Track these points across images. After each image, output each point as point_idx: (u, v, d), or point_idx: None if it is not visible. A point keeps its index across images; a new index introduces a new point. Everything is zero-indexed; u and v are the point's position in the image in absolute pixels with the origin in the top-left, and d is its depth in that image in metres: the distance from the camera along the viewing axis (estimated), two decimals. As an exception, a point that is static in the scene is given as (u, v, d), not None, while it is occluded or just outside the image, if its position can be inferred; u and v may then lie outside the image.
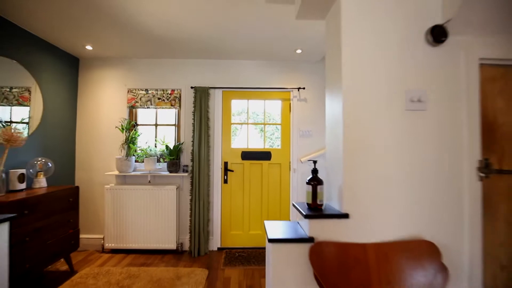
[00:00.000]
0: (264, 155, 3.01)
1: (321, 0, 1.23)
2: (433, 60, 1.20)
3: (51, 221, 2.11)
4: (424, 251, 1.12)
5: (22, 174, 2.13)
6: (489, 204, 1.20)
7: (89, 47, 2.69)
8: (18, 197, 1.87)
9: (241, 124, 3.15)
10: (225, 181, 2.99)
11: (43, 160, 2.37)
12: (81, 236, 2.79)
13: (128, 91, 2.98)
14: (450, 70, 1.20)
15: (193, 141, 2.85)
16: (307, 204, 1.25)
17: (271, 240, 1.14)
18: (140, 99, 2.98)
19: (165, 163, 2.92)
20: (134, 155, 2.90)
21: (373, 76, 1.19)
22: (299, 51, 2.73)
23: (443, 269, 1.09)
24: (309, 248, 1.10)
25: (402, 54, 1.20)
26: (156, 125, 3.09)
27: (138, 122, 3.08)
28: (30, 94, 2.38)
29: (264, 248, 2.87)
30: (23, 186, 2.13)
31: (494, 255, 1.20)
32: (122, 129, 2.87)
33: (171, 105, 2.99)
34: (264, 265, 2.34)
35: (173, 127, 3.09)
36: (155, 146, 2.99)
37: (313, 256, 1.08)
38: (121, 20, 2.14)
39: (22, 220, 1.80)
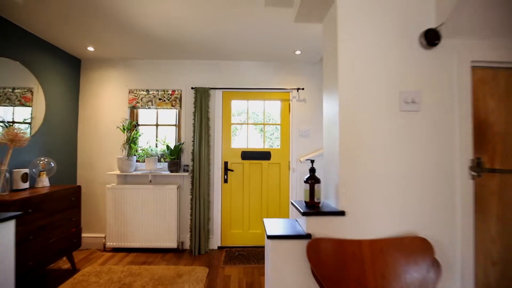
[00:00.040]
0: (264, 155, 3.05)
1: (318, 5, 1.27)
2: (426, 63, 1.24)
3: (54, 219, 2.15)
4: (417, 247, 1.16)
5: (26, 173, 2.16)
6: (481, 202, 1.24)
7: (90, 48, 2.73)
8: (22, 196, 1.90)
9: (241, 124, 3.18)
10: (225, 181, 3.03)
11: (46, 160, 2.40)
12: (83, 235, 2.82)
13: (129, 92, 3.02)
14: (443, 72, 1.24)
15: (193, 141, 2.88)
16: (305, 202, 1.29)
17: (270, 237, 1.18)
18: (141, 99, 3.02)
19: (166, 163, 2.95)
20: (135, 155, 2.94)
21: (368, 78, 1.23)
22: (298, 52, 2.77)
23: (436, 265, 1.13)
24: (306, 244, 1.14)
25: (397, 57, 1.24)
26: (157, 125, 3.13)
27: (139, 122, 3.12)
28: (32, 94, 2.41)
29: (263, 247, 2.91)
30: (26, 185, 2.17)
31: (485, 252, 1.24)
32: (124, 129, 2.90)
33: (172, 106, 3.03)
34: (264, 264, 2.38)
35: (174, 127, 3.12)
36: (156, 146, 3.03)
37: (310, 252, 1.12)
38: (122, 22, 2.18)
39: (25, 218, 1.84)
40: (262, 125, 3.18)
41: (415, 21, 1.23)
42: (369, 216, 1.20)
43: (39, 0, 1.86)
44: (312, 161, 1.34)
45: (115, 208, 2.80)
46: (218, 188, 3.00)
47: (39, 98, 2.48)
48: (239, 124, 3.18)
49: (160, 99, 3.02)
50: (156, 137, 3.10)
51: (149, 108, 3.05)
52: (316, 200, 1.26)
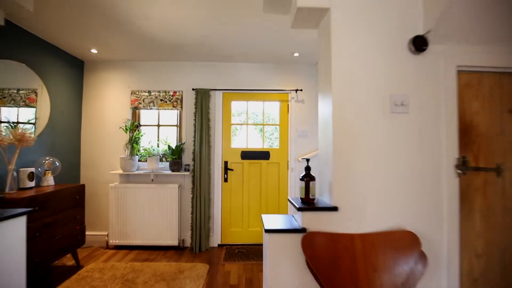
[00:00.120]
0: (263, 155, 3.12)
1: (313, 13, 1.35)
2: (415, 67, 1.31)
3: (59, 217, 2.22)
4: (406, 240, 1.24)
5: (32, 172, 2.23)
6: (466, 198, 1.32)
7: (94, 51, 2.80)
8: (29, 194, 1.97)
9: (241, 124, 3.26)
10: (225, 180, 3.10)
11: (51, 159, 2.47)
12: (86, 233, 2.88)
13: (131, 93, 3.09)
14: (430, 76, 1.32)
15: (194, 141, 2.96)
16: (301, 198, 1.37)
17: (268, 231, 1.25)
18: (143, 100, 3.09)
19: (168, 162, 3.03)
20: (137, 155, 3.01)
21: (360, 81, 1.30)
22: (296, 54, 2.85)
23: (423, 257, 1.21)
24: (301, 237, 1.21)
25: (387, 62, 1.31)
26: (158, 125, 3.20)
27: (141, 123, 3.19)
28: (36, 95, 2.47)
29: (262, 245, 2.98)
30: (32, 184, 2.24)
31: (470, 245, 1.32)
32: (126, 129, 2.98)
33: (173, 106, 3.10)
34: (262, 261, 2.45)
35: (175, 127, 3.20)
36: (158, 146, 3.11)
37: (305, 245, 1.20)
38: (125, 25, 2.25)
39: (32, 216, 1.90)
40: (262, 126, 3.25)
41: (404, 28, 1.31)
42: (360, 212, 1.28)
43: (46, 5, 1.94)
44: (308, 160, 1.42)
45: (117, 207, 2.87)
46: (218, 187, 3.07)
47: (44, 99, 2.55)
48: (239, 124, 3.26)
49: (161, 100, 3.09)
50: (158, 137, 3.18)
51: (150, 109, 3.12)
52: (311, 197, 1.34)
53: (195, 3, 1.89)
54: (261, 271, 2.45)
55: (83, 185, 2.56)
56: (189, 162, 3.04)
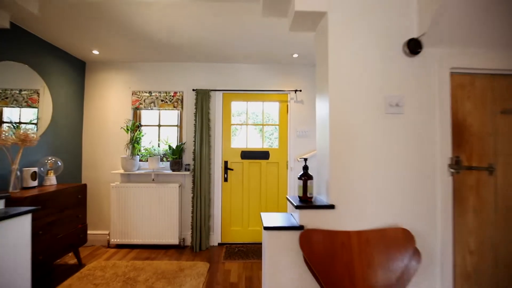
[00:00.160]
0: (263, 155, 3.16)
1: (310, 17, 1.39)
2: (409, 69, 1.35)
3: (62, 216, 2.25)
4: (400, 237, 1.27)
5: (34, 172, 2.27)
6: (459, 196, 1.36)
7: (95, 52, 2.83)
8: (32, 193, 2.01)
9: (241, 124, 3.29)
10: (225, 179, 3.14)
11: (53, 159, 2.51)
12: (88, 232, 2.91)
13: (132, 93, 3.13)
14: (424, 78, 1.35)
15: (194, 141, 2.99)
16: (299, 197, 1.41)
17: (266, 228, 1.29)
18: (144, 101, 3.12)
19: (168, 162, 3.06)
20: (138, 155, 3.04)
21: (356, 83, 1.34)
22: (295, 55, 2.88)
23: (417, 254, 1.25)
24: (299, 234, 1.25)
25: (382, 64, 1.35)
26: (159, 125, 3.23)
27: (142, 123, 3.23)
28: (38, 96, 2.50)
29: (262, 244, 3.01)
30: (35, 183, 2.27)
31: (463, 242, 1.35)
32: (127, 129, 3.01)
33: (174, 107, 3.13)
34: (262, 259, 2.49)
35: (176, 127, 3.23)
36: (159, 146, 3.14)
37: (303, 242, 1.23)
38: (126, 27, 2.28)
39: (36, 214, 1.94)
40: (261, 126, 3.29)
41: (399, 31, 1.35)
42: (356, 209, 1.32)
43: (49, 8, 1.97)
44: (305, 159, 1.45)
45: (119, 206, 2.90)
46: (218, 186, 3.11)
47: (46, 99, 2.58)
48: (238, 124, 3.29)
49: (162, 100, 3.13)
50: (159, 137, 3.21)
51: (151, 109, 3.15)
52: (308, 195, 1.37)
53: (196, 4, 1.93)
54: (261, 269, 2.49)
55: (85, 185, 2.59)
56: (190, 162, 3.08)
